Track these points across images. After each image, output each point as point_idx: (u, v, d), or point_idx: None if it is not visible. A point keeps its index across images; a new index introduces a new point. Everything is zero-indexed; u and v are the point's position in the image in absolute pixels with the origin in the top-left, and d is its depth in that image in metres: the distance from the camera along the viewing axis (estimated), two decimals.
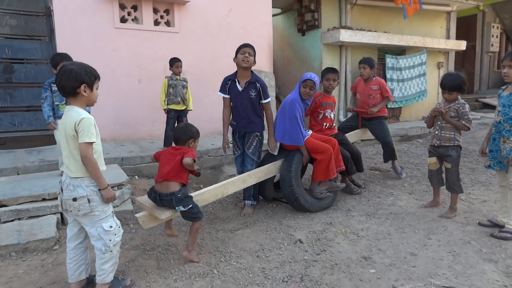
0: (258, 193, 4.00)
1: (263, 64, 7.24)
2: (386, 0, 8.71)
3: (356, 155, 4.15)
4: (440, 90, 3.53)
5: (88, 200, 2.12)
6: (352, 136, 4.74)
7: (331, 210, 3.75)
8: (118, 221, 2.33)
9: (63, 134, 2.12)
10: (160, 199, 2.63)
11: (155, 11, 6.15)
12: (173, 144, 2.86)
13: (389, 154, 4.77)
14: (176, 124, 5.31)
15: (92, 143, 2.08)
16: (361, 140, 6.93)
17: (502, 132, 2.98)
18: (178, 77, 5.15)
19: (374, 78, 4.81)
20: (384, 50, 9.26)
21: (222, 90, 3.69)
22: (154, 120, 6.14)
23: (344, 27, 8.28)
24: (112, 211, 2.28)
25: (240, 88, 3.59)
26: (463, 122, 3.34)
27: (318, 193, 3.68)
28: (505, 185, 3.10)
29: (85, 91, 2.12)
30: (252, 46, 3.64)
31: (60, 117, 3.60)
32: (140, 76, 6.03)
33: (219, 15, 6.66)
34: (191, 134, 2.80)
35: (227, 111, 3.72)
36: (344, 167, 3.83)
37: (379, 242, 2.97)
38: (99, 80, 2.24)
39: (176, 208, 2.62)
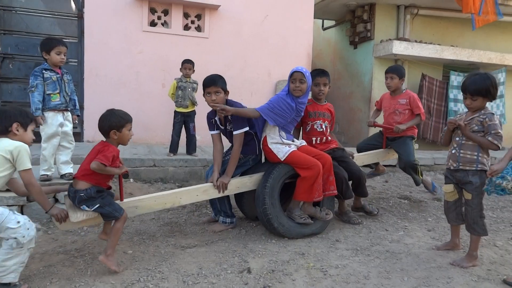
0: (241, 209, 3.50)
1: None
2: (453, 10, 7.63)
3: (358, 176, 3.37)
4: None
5: None
6: (371, 156, 3.96)
7: (316, 238, 3.07)
8: (25, 216, 2.12)
9: None
10: (69, 197, 2.33)
11: (186, 15, 6.08)
12: None
13: (414, 173, 3.89)
14: (181, 129, 5.06)
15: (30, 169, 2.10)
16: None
17: None
18: (188, 79, 4.92)
19: (404, 91, 4.01)
20: (452, 67, 8.10)
21: (210, 127, 3.24)
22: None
23: (399, 39, 7.40)
24: (10, 210, 2.10)
25: (221, 126, 3.17)
26: (489, 138, 2.48)
27: (297, 215, 3.03)
28: None
29: (17, 130, 2.16)
30: (219, 81, 2.99)
31: (52, 109, 3.37)
32: (164, 80, 5.95)
33: (253, 22, 6.37)
34: (110, 123, 2.40)
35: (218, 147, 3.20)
36: (335, 191, 3.14)
37: (346, 287, 2.25)
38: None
39: (81, 207, 2.32)
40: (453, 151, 2.63)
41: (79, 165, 2.51)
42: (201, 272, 2.41)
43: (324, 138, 3.45)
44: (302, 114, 3.25)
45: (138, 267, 2.46)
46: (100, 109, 5.65)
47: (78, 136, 5.82)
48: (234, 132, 3.04)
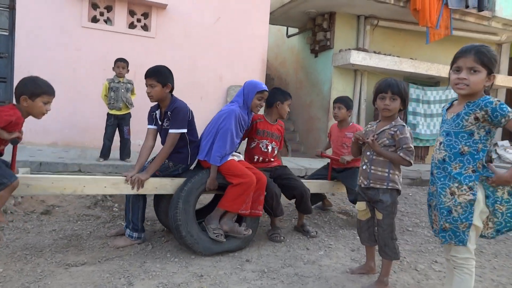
0: (157, 216, 3.20)
1: None
2: (412, 23, 7.59)
3: (300, 192, 3.15)
4: None
5: None
6: (316, 186, 3.68)
7: (227, 256, 2.78)
8: None
9: None
10: None
11: (132, 13, 5.75)
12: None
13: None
14: (115, 133, 4.72)
15: None
16: None
17: (448, 177, 1.87)
18: (121, 79, 4.59)
19: (350, 124, 3.83)
20: (412, 80, 8.05)
21: (149, 120, 2.98)
22: None
23: (358, 49, 7.29)
24: None
25: (159, 121, 2.89)
26: (401, 154, 2.27)
27: (211, 229, 2.74)
28: (449, 258, 1.96)
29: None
30: (154, 73, 2.76)
31: None
32: (105, 80, 5.57)
33: (204, 24, 6.09)
34: (24, 88, 2.29)
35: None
36: (261, 212, 2.90)
37: None
38: None
39: None
40: (364, 167, 2.40)
41: None
42: None
43: (267, 159, 3.27)
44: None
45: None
46: None
47: None
48: (170, 130, 2.77)
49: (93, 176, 2.69)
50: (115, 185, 2.66)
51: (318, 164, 5.09)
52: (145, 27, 5.83)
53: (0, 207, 2.25)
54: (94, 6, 5.53)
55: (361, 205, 2.46)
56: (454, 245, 1.84)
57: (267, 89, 3.03)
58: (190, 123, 2.87)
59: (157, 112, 2.89)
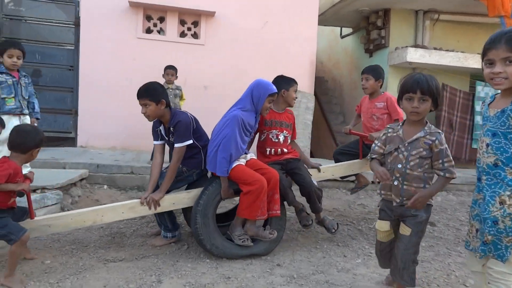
0: (187, 223, 3.26)
1: (303, 84, 6.40)
2: (480, 15, 6.94)
3: (307, 191, 2.96)
4: None
5: None
6: (344, 168, 3.52)
7: (258, 260, 2.74)
8: None
9: None
10: None
11: (182, 23, 6.01)
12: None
13: None
14: None
15: None
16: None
17: (500, 184, 1.62)
18: (170, 85, 4.80)
19: (381, 93, 3.57)
20: (480, 77, 7.35)
21: (154, 136, 3.00)
22: None
23: (416, 46, 6.85)
24: None
25: (165, 136, 2.94)
26: (446, 175, 1.96)
27: (236, 236, 2.73)
28: (479, 271, 1.72)
29: None
30: (145, 92, 2.74)
31: (7, 113, 3.36)
32: None
33: (252, 28, 6.17)
34: (39, 140, 2.31)
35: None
36: (279, 212, 2.80)
37: None
38: None
39: None
40: (396, 183, 2.04)
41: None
42: None
43: (279, 149, 3.13)
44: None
45: (43, 279, 2.30)
46: (94, 115, 5.75)
47: (72, 141, 5.91)
48: (176, 145, 2.79)
49: (110, 205, 2.76)
50: (132, 209, 2.71)
51: None
52: (195, 35, 6.06)
53: (15, 263, 2.23)
54: (148, 18, 5.88)
55: (384, 225, 2.13)
56: (492, 257, 1.61)
57: (276, 91, 2.89)
58: (196, 131, 2.85)
59: (161, 128, 2.90)
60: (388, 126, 2.18)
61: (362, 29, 7.95)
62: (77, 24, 5.74)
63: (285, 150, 3.14)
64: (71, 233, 3.15)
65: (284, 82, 3.18)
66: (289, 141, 3.22)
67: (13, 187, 2.21)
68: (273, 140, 3.12)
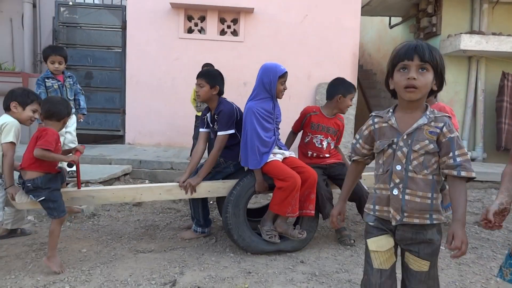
0: (220, 215, 3.31)
1: (345, 77, 6.20)
2: None
3: (358, 195, 2.85)
4: None
5: None
6: None
7: (283, 256, 2.71)
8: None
9: None
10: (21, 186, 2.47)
11: (222, 21, 6.10)
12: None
13: None
14: None
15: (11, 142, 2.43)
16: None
17: None
18: None
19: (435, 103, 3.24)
20: None
21: (201, 124, 3.11)
22: None
23: (472, 32, 6.33)
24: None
25: (210, 124, 3.01)
26: (462, 173, 1.35)
27: (265, 230, 2.72)
28: None
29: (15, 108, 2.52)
30: (205, 74, 2.88)
31: None
32: None
33: (291, 23, 6.09)
34: (70, 109, 2.53)
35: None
36: (313, 212, 2.74)
37: None
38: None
39: (30, 196, 2.39)
40: (395, 192, 1.42)
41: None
42: (127, 279, 2.31)
43: (321, 155, 3.08)
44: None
45: (77, 266, 2.47)
46: (140, 114, 6.04)
47: (120, 139, 6.27)
48: (218, 133, 2.86)
49: (148, 185, 2.90)
50: (169, 191, 2.82)
51: None
52: (235, 33, 6.12)
53: (55, 243, 2.39)
54: (189, 18, 6.04)
55: (385, 242, 1.48)
56: None
57: (286, 70, 2.80)
58: (239, 122, 2.86)
59: (208, 115, 2.98)
60: (373, 113, 1.58)
61: (412, 18, 7.51)
62: (124, 28, 6.07)
63: (327, 155, 3.10)
64: (110, 225, 3.35)
65: (342, 87, 3.07)
66: (332, 147, 3.17)
67: (64, 158, 2.43)
68: (317, 145, 3.10)
